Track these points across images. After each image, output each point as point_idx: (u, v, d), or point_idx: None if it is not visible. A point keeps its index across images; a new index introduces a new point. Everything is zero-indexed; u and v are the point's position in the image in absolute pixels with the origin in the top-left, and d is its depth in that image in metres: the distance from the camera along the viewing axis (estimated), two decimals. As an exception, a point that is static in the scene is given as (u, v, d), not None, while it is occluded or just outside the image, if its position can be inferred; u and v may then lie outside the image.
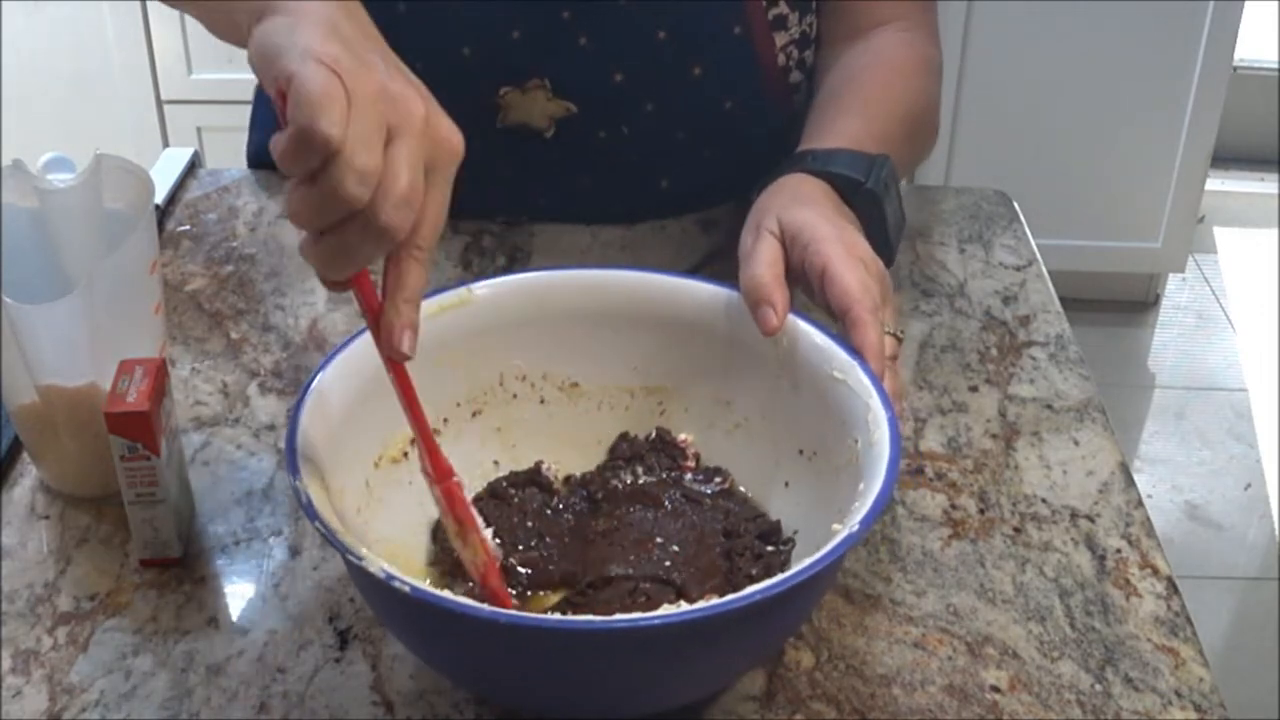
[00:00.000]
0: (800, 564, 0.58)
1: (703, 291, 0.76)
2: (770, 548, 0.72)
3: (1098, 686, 0.68)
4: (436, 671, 0.67)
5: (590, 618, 0.57)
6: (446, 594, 0.57)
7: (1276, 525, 2.22)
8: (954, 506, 0.80)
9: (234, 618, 0.71)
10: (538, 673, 0.60)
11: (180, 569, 0.74)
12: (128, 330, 0.74)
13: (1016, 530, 0.78)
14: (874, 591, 0.73)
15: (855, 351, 0.70)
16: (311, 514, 0.59)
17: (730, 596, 0.56)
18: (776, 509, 0.75)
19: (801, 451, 0.74)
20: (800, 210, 0.79)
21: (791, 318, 0.73)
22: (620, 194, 1.06)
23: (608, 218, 1.06)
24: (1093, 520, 0.79)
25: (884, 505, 0.61)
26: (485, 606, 0.56)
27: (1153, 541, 0.78)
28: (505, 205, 1.06)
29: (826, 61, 1.03)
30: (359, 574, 0.58)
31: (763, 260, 0.75)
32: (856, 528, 0.59)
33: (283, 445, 0.83)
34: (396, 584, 0.56)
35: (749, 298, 0.74)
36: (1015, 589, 0.74)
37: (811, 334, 0.72)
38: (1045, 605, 0.73)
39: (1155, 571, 0.76)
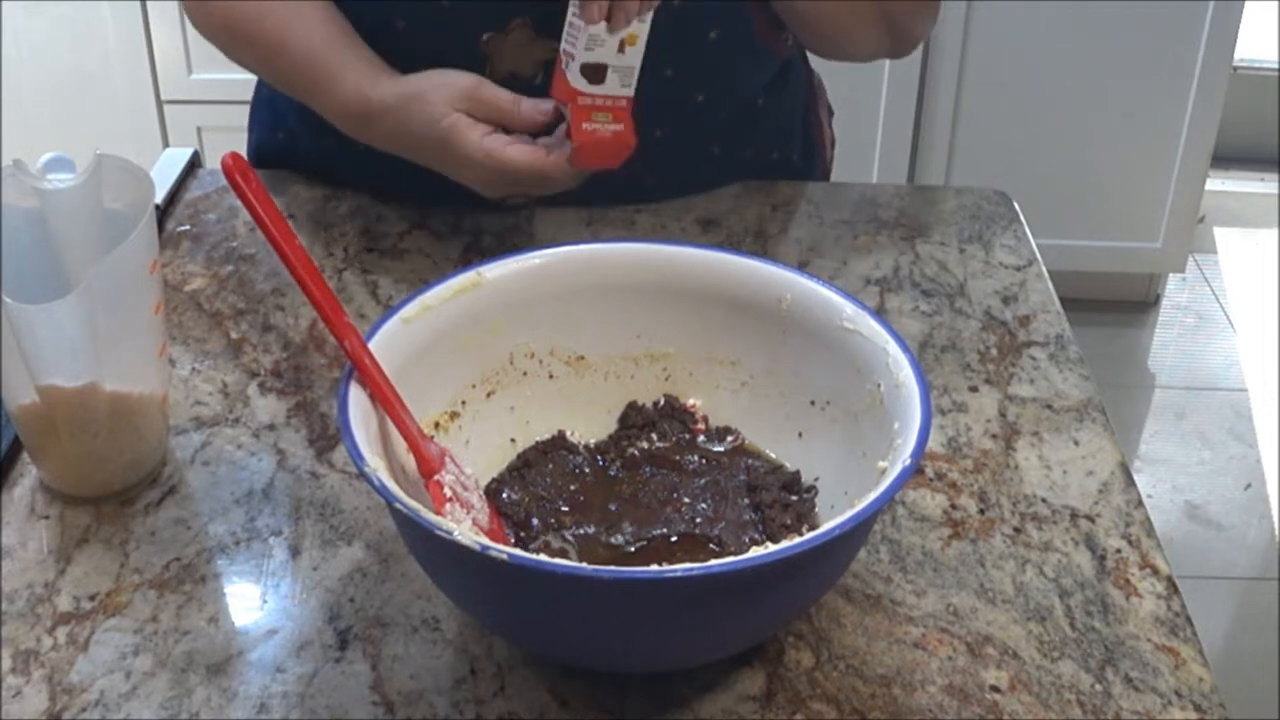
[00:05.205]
0: (840, 509, 0.62)
1: (700, 257, 0.79)
2: (794, 497, 0.75)
3: (1098, 686, 0.68)
4: (475, 616, 0.69)
5: (688, 565, 0.58)
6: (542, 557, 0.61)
7: (1276, 525, 2.22)
8: (954, 506, 0.80)
9: (234, 618, 0.71)
10: (610, 625, 0.62)
11: (180, 569, 0.74)
12: (128, 330, 0.74)
13: (1016, 530, 0.78)
14: (874, 591, 0.73)
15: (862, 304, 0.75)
16: (390, 497, 0.60)
17: (811, 534, 0.59)
18: (792, 460, 0.77)
19: (813, 403, 0.76)
20: None
21: (792, 274, 0.76)
22: None
23: (606, 181, 1.06)
24: (1093, 520, 0.79)
25: (927, 438, 0.64)
26: (578, 565, 0.59)
27: (1153, 541, 0.78)
28: None
29: None
30: (447, 545, 0.59)
31: None
32: (909, 461, 0.63)
33: (283, 445, 0.83)
34: (494, 552, 0.57)
35: None
36: (1015, 589, 0.74)
37: (814, 288, 0.75)
38: (1045, 605, 0.73)
39: (1155, 571, 0.76)
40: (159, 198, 1.06)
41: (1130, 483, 0.82)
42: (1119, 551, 0.77)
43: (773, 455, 0.78)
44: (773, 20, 1.04)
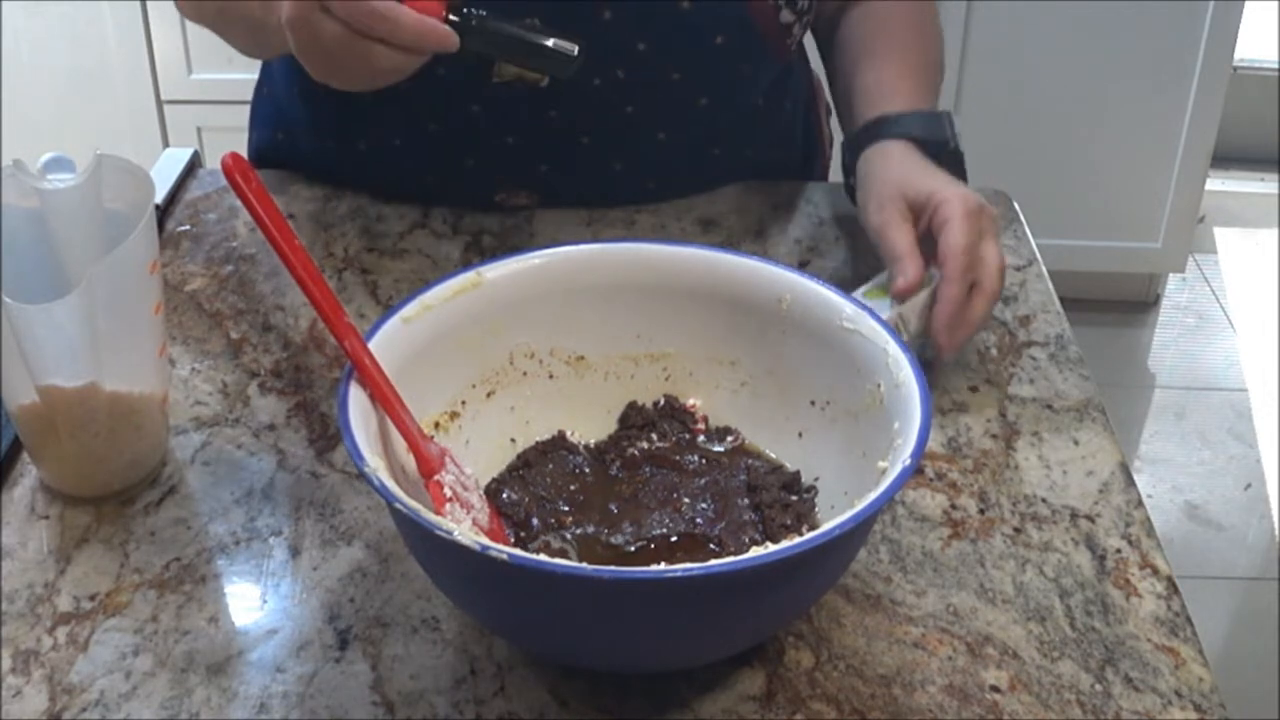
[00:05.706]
0: (840, 509, 0.62)
1: (700, 257, 0.79)
2: (794, 497, 0.75)
3: (1098, 686, 0.68)
4: (478, 620, 0.69)
5: (689, 565, 0.58)
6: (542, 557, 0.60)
7: (1276, 525, 2.22)
8: (954, 506, 0.80)
9: (234, 618, 0.71)
10: (610, 625, 0.62)
11: (180, 569, 0.74)
12: (128, 330, 0.74)
13: (1016, 530, 0.78)
14: (874, 591, 0.73)
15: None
16: (390, 497, 0.60)
17: (811, 534, 0.59)
18: (793, 460, 0.77)
19: (813, 403, 0.77)
20: (916, 179, 0.91)
21: (792, 274, 0.76)
22: (619, 150, 1.06)
23: (609, 184, 1.06)
24: (1093, 520, 0.79)
25: (927, 438, 0.64)
26: (578, 565, 0.59)
27: (1153, 541, 0.78)
28: (509, 177, 1.06)
29: (833, 11, 1.09)
30: (448, 546, 0.59)
31: (897, 232, 0.88)
32: (909, 461, 0.62)
33: (283, 445, 0.83)
34: (494, 552, 0.57)
35: (890, 263, 0.88)
36: (1015, 589, 0.74)
37: (814, 289, 0.75)
38: (1045, 605, 0.73)
39: (1155, 571, 0.76)
40: (159, 198, 1.06)
41: (1130, 483, 0.82)
42: (1119, 551, 0.77)
43: (773, 455, 0.78)
44: (778, 27, 1.04)
